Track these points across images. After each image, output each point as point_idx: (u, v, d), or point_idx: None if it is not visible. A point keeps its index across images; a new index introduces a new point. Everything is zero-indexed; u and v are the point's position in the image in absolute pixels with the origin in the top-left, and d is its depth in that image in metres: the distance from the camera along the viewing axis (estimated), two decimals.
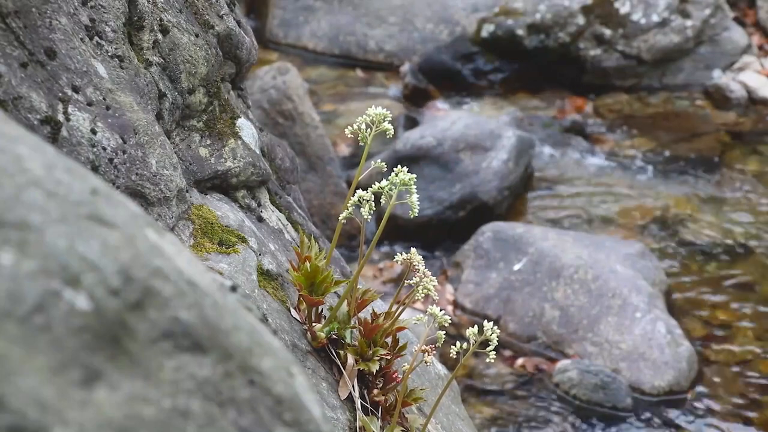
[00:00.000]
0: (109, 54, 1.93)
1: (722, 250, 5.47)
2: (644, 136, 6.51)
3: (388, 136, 1.93)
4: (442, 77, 6.90)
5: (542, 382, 4.64)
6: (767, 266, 5.35)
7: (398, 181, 1.84)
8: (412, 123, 6.36)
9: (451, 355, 2.05)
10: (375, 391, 2.01)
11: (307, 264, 1.99)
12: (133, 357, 0.84)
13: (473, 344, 1.86)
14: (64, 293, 0.81)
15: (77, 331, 0.80)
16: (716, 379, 4.66)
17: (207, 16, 2.18)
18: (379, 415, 1.98)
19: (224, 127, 2.20)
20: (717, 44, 7.00)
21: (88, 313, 0.82)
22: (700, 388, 4.61)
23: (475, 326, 1.87)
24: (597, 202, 5.89)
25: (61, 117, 1.75)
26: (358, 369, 1.99)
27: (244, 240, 2.06)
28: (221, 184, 2.19)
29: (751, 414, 4.49)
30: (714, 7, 6.99)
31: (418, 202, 1.88)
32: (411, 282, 1.98)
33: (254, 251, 2.06)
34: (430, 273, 1.98)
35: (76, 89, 1.80)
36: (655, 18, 6.91)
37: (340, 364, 2.01)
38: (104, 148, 1.81)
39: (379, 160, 1.96)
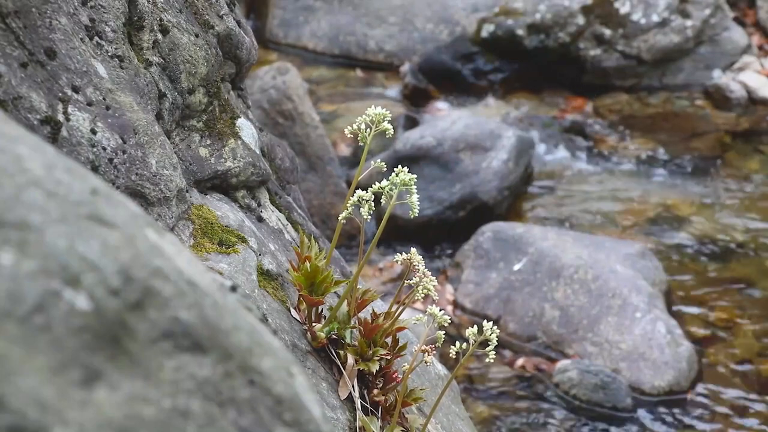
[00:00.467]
0: (109, 54, 1.93)
1: (722, 250, 5.47)
2: (644, 136, 6.51)
3: (387, 136, 1.93)
4: (442, 77, 6.90)
5: (542, 382, 4.64)
6: (767, 266, 5.35)
7: (398, 181, 1.84)
8: (412, 123, 6.35)
9: (451, 355, 2.05)
10: (375, 391, 2.01)
11: (307, 264, 1.99)
12: (133, 357, 0.84)
13: (473, 344, 1.86)
14: (64, 293, 0.81)
15: (77, 331, 0.80)
16: (716, 379, 4.66)
17: (207, 16, 2.18)
18: (379, 415, 1.98)
19: (224, 127, 2.20)
20: (717, 44, 7.00)
21: (88, 313, 0.82)
22: (700, 388, 4.60)
23: (475, 326, 1.87)
24: (597, 202, 5.89)
25: (61, 117, 1.75)
26: (358, 369, 1.99)
27: (244, 240, 2.06)
28: (221, 184, 2.19)
29: (751, 414, 4.49)
30: (714, 7, 6.99)
31: (418, 202, 1.88)
32: (411, 282, 1.98)
33: (254, 251, 2.06)
34: (429, 273, 1.98)
35: (76, 89, 1.80)
36: (655, 18, 6.91)
37: (340, 364, 2.01)
38: (104, 148, 1.81)
39: (379, 160, 1.96)
